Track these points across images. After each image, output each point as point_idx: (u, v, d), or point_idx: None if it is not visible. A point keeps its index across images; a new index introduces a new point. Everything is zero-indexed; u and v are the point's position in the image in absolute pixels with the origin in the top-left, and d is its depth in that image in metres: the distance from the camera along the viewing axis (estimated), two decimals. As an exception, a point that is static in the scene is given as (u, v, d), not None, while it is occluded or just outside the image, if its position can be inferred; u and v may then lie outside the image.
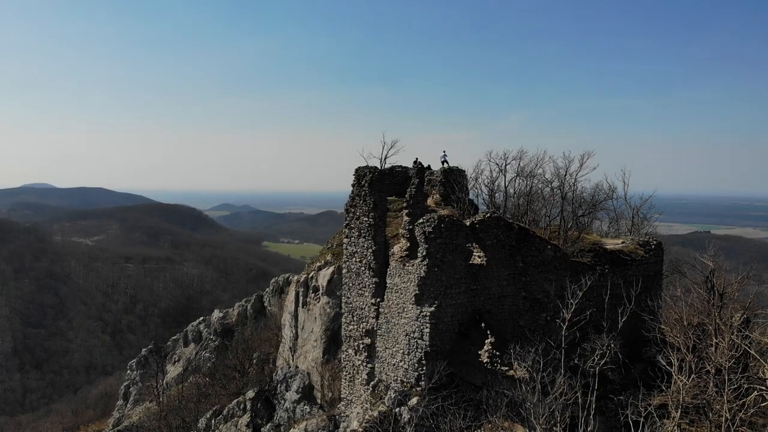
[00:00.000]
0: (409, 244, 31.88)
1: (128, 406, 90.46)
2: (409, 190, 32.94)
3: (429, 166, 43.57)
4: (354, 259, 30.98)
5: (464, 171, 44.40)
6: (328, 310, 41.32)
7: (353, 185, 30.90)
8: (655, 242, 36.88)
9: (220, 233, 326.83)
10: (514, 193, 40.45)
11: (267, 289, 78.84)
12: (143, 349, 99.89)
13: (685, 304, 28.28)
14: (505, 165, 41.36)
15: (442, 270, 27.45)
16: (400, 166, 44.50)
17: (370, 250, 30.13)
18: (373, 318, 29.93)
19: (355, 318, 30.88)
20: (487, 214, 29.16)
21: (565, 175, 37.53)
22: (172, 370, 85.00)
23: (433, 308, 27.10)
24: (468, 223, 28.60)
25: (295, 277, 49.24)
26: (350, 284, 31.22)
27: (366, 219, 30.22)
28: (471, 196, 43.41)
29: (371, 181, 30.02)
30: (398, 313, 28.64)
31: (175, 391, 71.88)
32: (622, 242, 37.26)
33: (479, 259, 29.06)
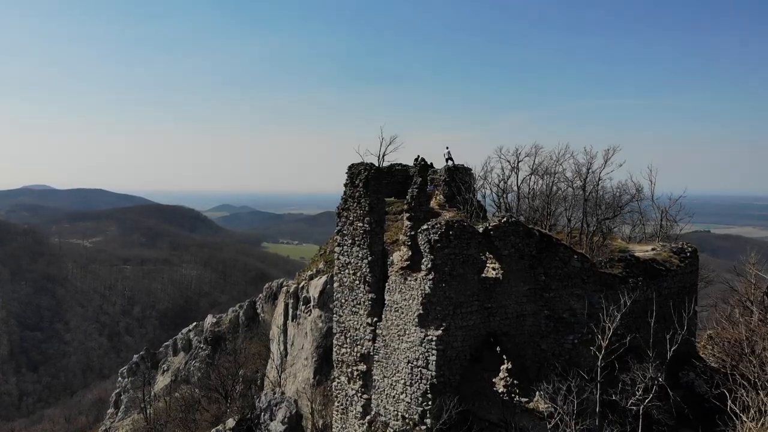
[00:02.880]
0: (410, 253, 27.47)
1: (119, 414, 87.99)
2: (410, 190, 28.59)
3: (431, 164, 39.92)
4: (347, 271, 26.52)
5: (470, 169, 40.59)
6: (320, 324, 36.87)
7: (346, 185, 26.46)
8: (690, 248, 32.46)
9: (218, 234, 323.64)
10: (529, 192, 36.08)
11: (260, 295, 74.98)
12: (135, 356, 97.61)
13: (746, 326, 23.74)
14: (518, 162, 37.08)
15: (451, 285, 23.05)
16: (400, 164, 40.59)
17: (366, 261, 25.66)
18: (369, 341, 25.48)
19: (348, 340, 26.41)
20: (503, 219, 24.71)
21: (587, 173, 33.07)
22: (161, 380, 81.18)
23: (440, 331, 22.70)
24: (481, 230, 24.16)
25: (284, 288, 44.81)
26: (342, 300, 26.77)
27: (361, 224, 25.77)
28: (478, 197, 39.58)
29: (367, 180, 25.57)
30: (398, 335, 24.22)
31: (163, 403, 68.14)
32: (653, 249, 32.83)
33: (494, 272, 24.64)
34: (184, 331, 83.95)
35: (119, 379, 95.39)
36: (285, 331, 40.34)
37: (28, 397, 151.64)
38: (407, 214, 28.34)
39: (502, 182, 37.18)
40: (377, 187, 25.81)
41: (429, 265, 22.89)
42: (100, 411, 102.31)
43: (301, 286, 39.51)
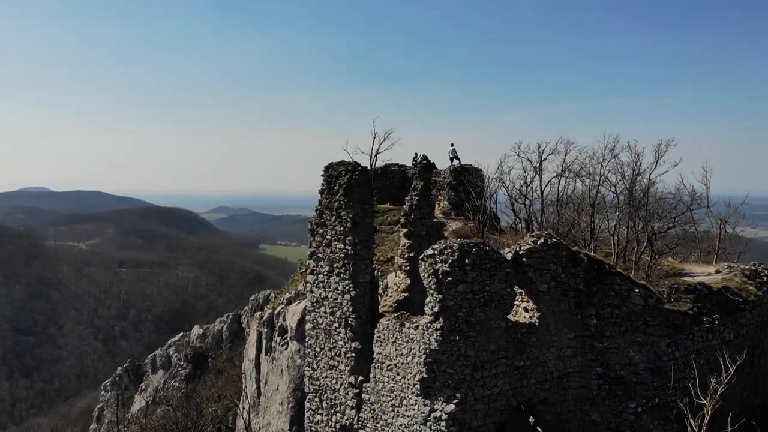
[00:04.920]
0: (409, 281, 20.54)
1: (101, 430, 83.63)
2: (409, 197, 21.57)
3: (434, 164, 33.00)
4: (322, 308, 19.44)
5: (481, 170, 33.81)
6: (299, 361, 29.84)
7: (321, 191, 19.43)
8: (767, 271, 25.42)
9: (216, 236, 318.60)
10: (558, 199, 29.18)
11: (246, 307, 68.25)
12: (119, 368, 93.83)
13: None
14: (541, 161, 30.23)
15: (468, 337, 16.02)
16: (397, 165, 33.85)
17: (348, 296, 18.59)
18: (351, 408, 18.41)
19: (324, 404, 19.34)
20: (539, 240, 17.63)
21: (634, 175, 26.11)
22: (138, 401, 74.97)
23: (452, 405, 15.66)
24: (509, 256, 17.12)
25: (257, 314, 37.73)
26: (317, 349, 19.68)
27: (341, 246, 18.73)
28: (490, 203, 32.83)
29: (349, 186, 18.52)
30: (393, 405, 17.20)
31: (138, 428, 62.00)
32: (717, 271, 25.80)
33: (527, 316, 17.60)
34: (163, 347, 78.03)
35: (102, 392, 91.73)
36: (258, 367, 33.35)
37: (21, 403, 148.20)
38: (405, 230, 21.41)
39: (523, 186, 30.32)
40: (363, 194, 18.73)
41: (436, 309, 15.86)
42: (88, 422, 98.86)
43: (276, 312, 32.36)
